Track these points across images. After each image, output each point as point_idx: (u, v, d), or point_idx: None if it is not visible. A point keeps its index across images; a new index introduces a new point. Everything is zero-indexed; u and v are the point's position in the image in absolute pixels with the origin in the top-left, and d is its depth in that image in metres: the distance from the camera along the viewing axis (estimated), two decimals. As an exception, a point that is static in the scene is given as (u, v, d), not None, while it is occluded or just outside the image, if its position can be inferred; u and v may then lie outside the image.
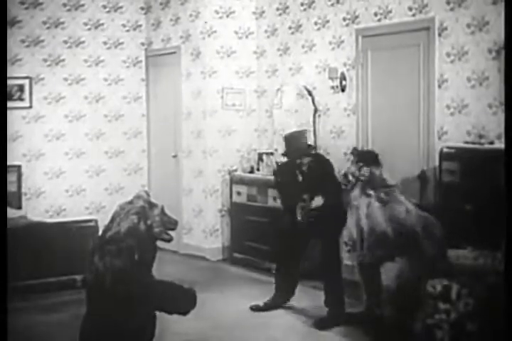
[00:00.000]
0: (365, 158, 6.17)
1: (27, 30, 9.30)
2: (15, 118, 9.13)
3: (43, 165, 9.44)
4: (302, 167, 6.49)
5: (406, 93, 7.10)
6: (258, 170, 8.65)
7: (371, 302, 6.08)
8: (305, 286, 7.04)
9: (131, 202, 4.39)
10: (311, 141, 7.46)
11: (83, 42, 9.66)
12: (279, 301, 6.70)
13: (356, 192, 6.02)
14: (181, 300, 4.42)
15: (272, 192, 7.92)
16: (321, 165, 6.55)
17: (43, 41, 9.41)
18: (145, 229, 4.31)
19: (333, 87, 7.88)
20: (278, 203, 7.48)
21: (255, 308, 6.62)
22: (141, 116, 10.06)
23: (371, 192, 5.94)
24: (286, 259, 6.68)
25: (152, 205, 4.43)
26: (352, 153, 6.38)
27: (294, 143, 6.59)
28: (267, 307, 6.63)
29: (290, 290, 6.71)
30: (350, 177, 6.10)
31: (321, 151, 7.99)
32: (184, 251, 9.23)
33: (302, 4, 8.30)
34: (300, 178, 6.50)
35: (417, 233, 5.67)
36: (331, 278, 6.35)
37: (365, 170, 6.05)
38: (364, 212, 5.90)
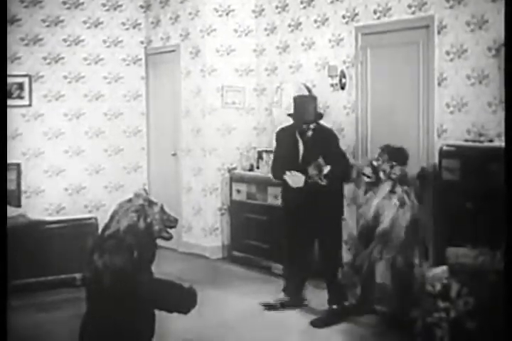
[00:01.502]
0: (398, 156, 6.20)
1: (26, 29, 9.29)
2: (14, 117, 9.12)
3: (42, 163, 9.44)
4: (307, 133, 6.35)
5: (405, 91, 7.10)
6: (258, 168, 8.65)
7: (366, 298, 6.36)
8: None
9: (130, 201, 4.39)
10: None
11: (83, 40, 9.65)
12: (292, 301, 6.66)
13: (383, 190, 6.07)
14: (182, 298, 4.42)
15: (271, 190, 7.92)
16: (327, 135, 6.46)
17: (42, 39, 9.40)
18: (144, 227, 4.31)
19: (332, 85, 7.88)
20: (278, 200, 7.48)
21: (268, 307, 6.62)
22: (140, 115, 10.05)
23: (399, 191, 6.02)
24: (295, 241, 6.57)
25: (151, 203, 4.43)
26: (383, 149, 6.30)
27: (303, 106, 6.38)
28: (281, 306, 6.62)
29: (299, 288, 6.66)
30: (382, 175, 6.10)
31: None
32: (184, 250, 9.22)
33: (302, 2, 8.29)
34: (302, 146, 6.36)
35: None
36: (333, 275, 6.38)
37: (399, 170, 6.10)
38: (392, 211, 5.97)
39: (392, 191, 6.04)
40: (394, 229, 5.94)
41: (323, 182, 6.17)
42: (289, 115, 6.52)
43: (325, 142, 6.35)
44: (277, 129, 6.85)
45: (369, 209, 6.09)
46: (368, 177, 6.17)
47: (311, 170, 6.20)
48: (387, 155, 6.18)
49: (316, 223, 6.35)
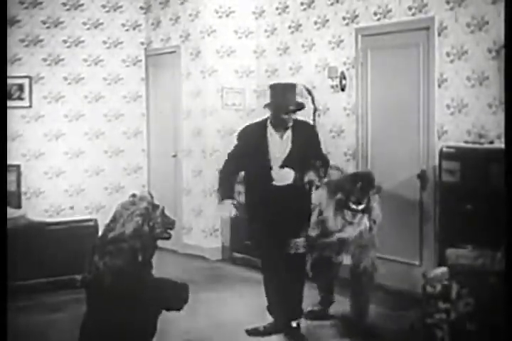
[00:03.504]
0: (370, 182, 5.89)
1: (26, 30, 9.30)
2: (14, 118, 9.13)
3: (42, 164, 9.44)
4: (287, 127, 5.69)
5: (406, 92, 7.10)
6: (258, 169, 8.63)
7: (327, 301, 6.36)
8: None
9: (134, 203, 4.39)
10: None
11: (83, 41, 9.66)
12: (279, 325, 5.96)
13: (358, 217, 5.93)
14: (175, 295, 4.43)
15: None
16: (310, 130, 5.94)
17: (42, 40, 9.41)
18: (148, 230, 4.32)
19: (332, 87, 7.88)
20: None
21: (253, 332, 5.96)
22: (140, 116, 10.06)
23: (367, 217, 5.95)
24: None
25: (154, 207, 4.44)
26: (354, 178, 5.93)
27: (282, 94, 5.69)
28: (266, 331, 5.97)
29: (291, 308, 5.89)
30: (354, 206, 5.82)
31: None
32: (184, 251, 9.22)
33: (302, 3, 8.29)
34: (280, 143, 5.72)
35: None
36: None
37: (374, 199, 5.94)
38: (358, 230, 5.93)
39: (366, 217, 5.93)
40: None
41: (319, 183, 5.70)
42: (266, 106, 5.78)
43: (308, 138, 5.80)
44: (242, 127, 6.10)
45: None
46: (356, 210, 5.86)
47: (311, 176, 5.61)
48: (360, 183, 5.82)
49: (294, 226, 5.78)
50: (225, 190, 5.88)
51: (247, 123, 6.15)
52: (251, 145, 5.76)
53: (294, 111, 5.69)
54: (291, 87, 5.83)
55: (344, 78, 7.74)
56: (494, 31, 6.22)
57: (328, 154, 7.82)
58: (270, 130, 5.76)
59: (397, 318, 6.28)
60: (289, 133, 5.73)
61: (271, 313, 5.98)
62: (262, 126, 5.82)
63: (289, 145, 5.72)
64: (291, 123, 5.70)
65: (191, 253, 9.10)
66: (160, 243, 4.56)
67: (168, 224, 4.52)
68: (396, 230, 7.19)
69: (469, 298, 4.71)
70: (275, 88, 5.79)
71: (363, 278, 5.99)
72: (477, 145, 6.10)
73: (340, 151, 7.79)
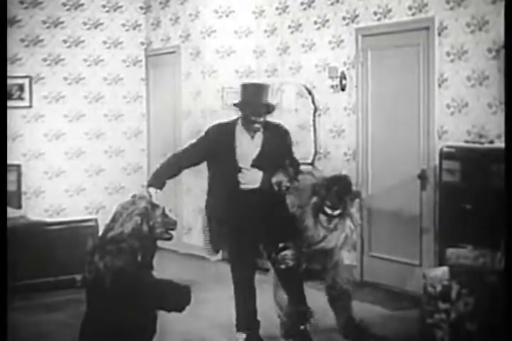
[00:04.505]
0: (346, 187, 5.59)
1: (27, 30, 9.31)
2: (15, 118, 9.13)
3: (42, 164, 9.45)
4: (257, 128, 5.49)
5: (406, 92, 7.10)
6: (258, 169, 8.63)
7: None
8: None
9: (133, 203, 4.39)
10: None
11: (83, 41, 9.66)
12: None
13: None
14: (177, 297, 4.42)
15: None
16: (282, 132, 5.68)
17: (42, 40, 9.41)
18: (147, 230, 4.32)
19: (333, 86, 7.88)
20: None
21: None
22: (140, 116, 10.06)
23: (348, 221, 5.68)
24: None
25: (154, 206, 4.43)
26: (330, 182, 5.61)
27: (251, 95, 5.47)
28: None
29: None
30: (329, 211, 5.53)
31: (321, 151, 8.01)
32: (184, 251, 9.22)
33: (302, 3, 8.29)
34: (248, 144, 5.51)
35: None
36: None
37: (351, 205, 5.63)
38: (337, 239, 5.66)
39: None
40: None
41: (289, 183, 5.42)
42: (235, 105, 5.58)
43: (280, 141, 5.60)
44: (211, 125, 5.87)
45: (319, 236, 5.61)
46: (331, 215, 5.55)
47: (279, 177, 5.40)
48: (336, 188, 5.52)
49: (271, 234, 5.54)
50: (160, 177, 5.60)
51: (217, 122, 5.87)
52: (218, 143, 5.53)
53: (265, 113, 5.47)
54: (263, 88, 5.57)
55: (344, 78, 7.74)
56: (494, 31, 6.21)
57: (328, 154, 7.89)
58: (240, 130, 5.55)
59: (397, 318, 6.28)
60: (259, 134, 5.53)
61: (243, 329, 5.67)
62: (231, 125, 5.60)
63: (259, 147, 5.51)
64: (261, 125, 5.49)
65: (191, 253, 9.09)
66: (160, 243, 4.55)
67: (169, 225, 4.50)
68: (396, 230, 7.20)
69: (469, 298, 4.71)
70: (246, 88, 5.59)
71: (342, 299, 5.78)
72: (477, 145, 6.09)
73: (340, 151, 7.78)
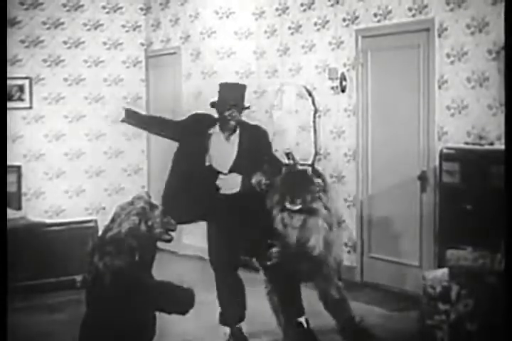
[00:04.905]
0: (306, 179, 5.45)
1: (27, 31, 9.31)
2: (15, 119, 9.14)
3: (42, 165, 9.45)
4: (232, 128, 5.47)
5: (406, 94, 7.10)
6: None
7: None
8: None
9: (131, 203, 4.39)
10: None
11: (83, 42, 9.67)
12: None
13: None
14: (180, 299, 4.42)
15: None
16: (259, 133, 5.65)
17: (42, 42, 9.42)
18: (146, 230, 4.31)
19: (333, 88, 7.88)
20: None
21: None
22: (141, 117, 10.05)
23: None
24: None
25: (153, 206, 4.43)
26: (288, 176, 5.51)
27: (226, 93, 5.53)
28: None
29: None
30: (289, 205, 5.34)
31: (321, 152, 8.01)
32: (184, 252, 9.22)
33: (302, 5, 8.29)
34: (225, 144, 5.49)
35: None
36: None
37: (317, 199, 5.39)
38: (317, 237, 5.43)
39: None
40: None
41: (268, 181, 5.35)
42: (211, 104, 5.63)
43: (257, 143, 5.56)
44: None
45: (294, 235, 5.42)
46: (292, 210, 5.35)
47: (258, 177, 5.33)
48: (296, 181, 5.40)
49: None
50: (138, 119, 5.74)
51: (202, 112, 5.89)
52: (192, 139, 5.52)
53: (238, 111, 5.47)
54: (239, 87, 5.65)
55: (344, 79, 7.74)
56: (494, 32, 6.22)
57: (328, 155, 7.88)
58: (216, 132, 5.54)
59: (396, 319, 6.28)
60: (236, 136, 5.51)
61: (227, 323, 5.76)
62: (209, 122, 5.59)
63: (235, 149, 5.48)
64: (237, 125, 5.48)
65: (191, 254, 9.09)
66: (159, 244, 4.55)
67: (169, 225, 4.50)
68: (396, 231, 7.20)
69: (469, 299, 4.71)
70: (222, 87, 5.64)
71: (338, 305, 5.65)
72: (477, 147, 6.10)
73: (340, 152, 7.78)
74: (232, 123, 5.46)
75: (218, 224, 5.60)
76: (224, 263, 5.68)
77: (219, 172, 5.47)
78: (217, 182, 5.44)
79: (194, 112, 5.89)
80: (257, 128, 5.72)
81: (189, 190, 5.45)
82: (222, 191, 5.46)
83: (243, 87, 5.65)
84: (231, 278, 5.75)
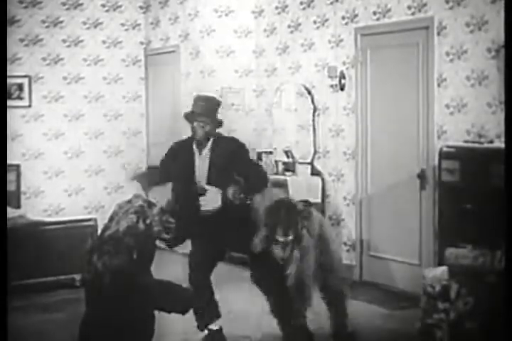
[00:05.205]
0: (293, 208, 5.25)
1: (26, 29, 9.30)
2: (14, 117, 9.12)
3: (42, 164, 9.44)
4: (206, 144, 5.44)
5: (405, 92, 7.09)
6: (257, 169, 8.62)
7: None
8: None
9: (130, 202, 4.39)
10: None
11: (82, 41, 9.66)
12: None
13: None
14: (179, 299, 4.42)
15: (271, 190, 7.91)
16: (234, 145, 5.53)
17: (42, 40, 9.41)
18: (144, 228, 4.31)
19: (332, 86, 7.88)
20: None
21: None
22: (140, 116, 10.05)
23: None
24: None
25: (151, 204, 4.43)
26: (275, 206, 5.27)
27: (199, 106, 5.49)
28: None
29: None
30: (281, 238, 5.12)
31: (320, 150, 8.01)
32: (183, 251, 9.20)
33: (301, 3, 8.29)
34: (198, 161, 5.46)
35: None
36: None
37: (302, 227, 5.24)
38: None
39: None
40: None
41: (244, 195, 5.29)
42: (185, 116, 5.63)
43: (230, 155, 5.43)
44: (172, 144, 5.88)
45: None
46: (285, 243, 5.13)
47: (231, 190, 5.26)
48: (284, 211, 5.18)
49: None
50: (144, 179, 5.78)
51: (177, 141, 5.94)
52: (177, 162, 5.54)
53: (209, 124, 5.43)
54: (211, 100, 5.61)
55: (344, 77, 7.74)
56: (494, 31, 6.21)
57: (327, 153, 7.88)
58: (194, 147, 5.53)
59: (396, 318, 6.28)
60: (207, 150, 5.47)
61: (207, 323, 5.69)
62: (189, 142, 5.59)
63: (207, 163, 5.45)
64: (202, 135, 5.42)
65: (191, 252, 9.08)
66: (159, 243, 4.56)
67: (168, 223, 4.50)
68: (396, 230, 7.20)
69: (469, 298, 4.71)
70: (195, 99, 5.62)
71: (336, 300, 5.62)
72: (477, 145, 6.09)
73: (339, 151, 7.78)
74: (200, 133, 5.42)
75: (200, 243, 5.64)
76: (199, 280, 5.71)
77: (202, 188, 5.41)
78: (200, 198, 5.36)
79: (171, 143, 5.85)
80: (233, 140, 5.62)
81: (177, 211, 5.23)
82: (203, 208, 5.37)
83: (215, 101, 5.63)
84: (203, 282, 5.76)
